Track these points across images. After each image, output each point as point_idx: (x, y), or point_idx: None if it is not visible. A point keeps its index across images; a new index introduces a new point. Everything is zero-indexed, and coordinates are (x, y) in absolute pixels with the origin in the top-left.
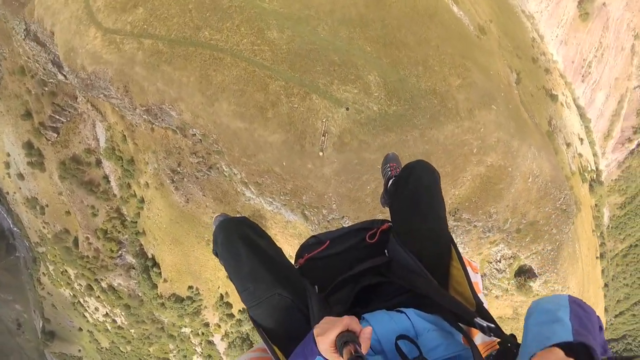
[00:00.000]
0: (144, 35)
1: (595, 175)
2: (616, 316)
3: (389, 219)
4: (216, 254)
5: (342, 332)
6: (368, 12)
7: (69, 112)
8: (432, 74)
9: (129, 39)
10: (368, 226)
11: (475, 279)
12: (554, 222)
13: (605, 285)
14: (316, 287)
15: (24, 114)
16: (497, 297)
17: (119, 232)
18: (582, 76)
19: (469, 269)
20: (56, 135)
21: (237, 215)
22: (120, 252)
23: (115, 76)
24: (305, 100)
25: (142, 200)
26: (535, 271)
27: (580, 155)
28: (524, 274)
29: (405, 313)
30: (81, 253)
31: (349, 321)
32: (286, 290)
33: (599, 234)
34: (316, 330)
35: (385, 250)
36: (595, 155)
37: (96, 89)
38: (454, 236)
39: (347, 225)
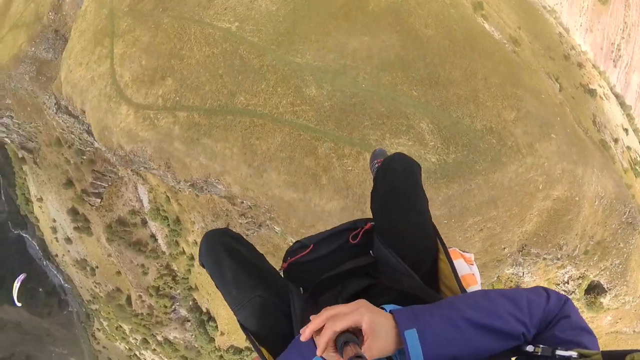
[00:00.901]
0: (177, 108)
1: None
2: None
3: (366, 219)
4: (202, 265)
5: (342, 332)
6: (407, 53)
7: (110, 177)
8: (485, 111)
9: (163, 113)
10: (351, 227)
11: (471, 270)
12: (621, 236)
13: None
14: (301, 289)
15: (65, 182)
16: None
17: (171, 287)
18: (614, 61)
19: (461, 260)
20: (99, 200)
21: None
22: (173, 306)
23: (155, 154)
24: (358, 160)
25: (192, 258)
26: (605, 286)
27: (628, 148)
28: (593, 290)
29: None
30: (135, 311)
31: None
32: (267, 291)
33: None
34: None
35: (370, 251)
36: None
37: (136, 164)
38: (520, 268)
39: (329, 228)
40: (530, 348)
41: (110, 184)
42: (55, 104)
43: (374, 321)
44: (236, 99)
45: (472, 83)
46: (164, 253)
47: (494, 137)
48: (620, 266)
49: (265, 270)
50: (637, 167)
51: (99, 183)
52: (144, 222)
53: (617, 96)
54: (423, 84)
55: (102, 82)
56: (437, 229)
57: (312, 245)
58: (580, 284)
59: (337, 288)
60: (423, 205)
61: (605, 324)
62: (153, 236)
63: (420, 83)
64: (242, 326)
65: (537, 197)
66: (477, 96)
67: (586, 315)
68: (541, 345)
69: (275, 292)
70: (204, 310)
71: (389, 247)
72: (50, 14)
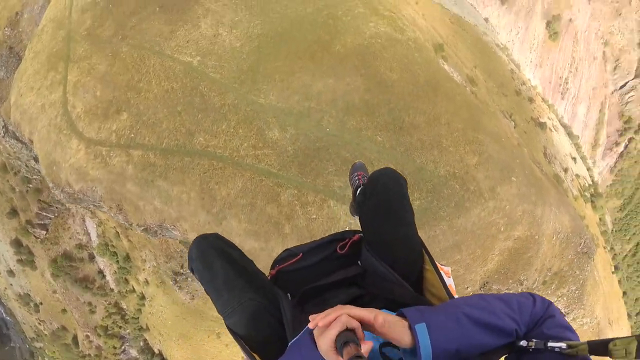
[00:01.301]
0: (132, 146)
1: (593, 190)
2: (637, 314)
3: (354, 230)
4: (192, 270)
5: (342, 331)
6: (371, 97)
7: (56, 207)
8: (448, 156)
9: (116, 151)
10: (339, 237)
11: (449, 282)
12: (577, 264)
13: (624, 293)
14: (289, 295)
15: (9, 211)
16: None
17: (120, 327)
18: (561, 94)
19: (441, 272)
20: (45, 232)
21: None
22: (123, 347)
23: (106, 195)
24: (322, 208)
25: (142, 297)
26: (563, 311)
27: (577, 176)
28: None
29: None
30: (82, 352)
31: (346, 320)
32: (258, 295)
33: (609, 249)
34: (316, 330)
35: (359, 261)
36: (589, 169)
37: (85, 202)
38: None
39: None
40: (524, 343)
41: (56, 215)
42: (2, 127)
43: (387, 317)
44: (195, 139)
45: (436, 128)
46: (112, 290)
47: (457, 183)
48: (577, 291)
49: (255, 274)
50: (586, 194)
51: (45, 214)
52: (92, 258)
53: (565, 127)
54: (387, 129)
55: (53, 112)
56: (422, 240)
57: (300, 254)
58: None
59: (323, 297)
60: (410, 217)
61: None
62: (101, 272)
63: (384, 128)
64: (232, 331)
65: (498, 239)
66: (440, 142)
67: None
68: (534, 340)
69: (265, 296)
70: (156, 351)
71: (378, 257)
72: (6, 29)
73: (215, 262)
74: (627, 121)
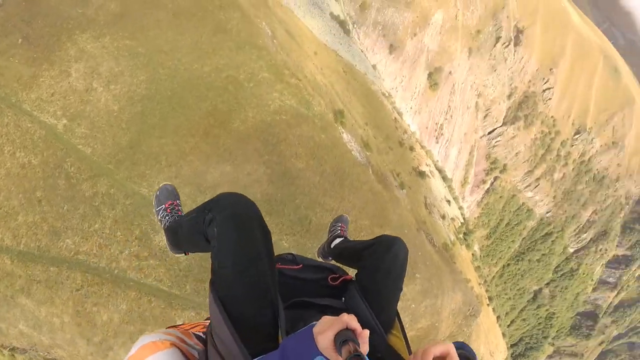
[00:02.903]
0: None
1: (465, 228)
2: (509, 325)
3: (345, 270)
4: (211, 220)
5: (341, 330)
6: (276, 191)
7: None
8: None
9: None
10: (333, 269)
11: None
12: (465, 324)
13: (498, 317)
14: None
15: None
16: None
17: None
18: (436, 138)
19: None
20: None
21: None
22: None
23: None
24: None
25: None
26: None
27: (452, 219)
28: None
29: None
30: None
31: (348, 319)
32: (272, 285)
33: (482, 282)
34: (315, 328)
35: (343, 298)
36: (460, 207)
37: None
38: None
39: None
40: None
41: None
42: None
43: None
44: (61, 240)
45: None
46: None
47: None
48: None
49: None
50: (460, 236)
51: None
52: None
53: (439, 170)
54: (294, 232)
55: None
56: (397, 310)
57: (301, 265)
58: None
59: (304, 313)
60: (402, 284)
61: None
62: None
63: (290, 231)
64: (223, 306)
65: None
66: None
67: None
68: None
69: (276, 289)
70: None
71: (368, 304)
72: None
73: (257, 233)
74: (493, 162)
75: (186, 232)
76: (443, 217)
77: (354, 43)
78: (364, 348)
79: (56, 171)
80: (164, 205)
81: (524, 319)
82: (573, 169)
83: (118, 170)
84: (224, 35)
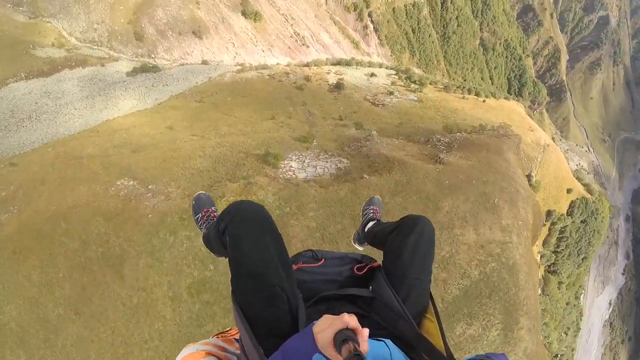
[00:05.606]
0: None
1: (402, 73)
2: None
3: (372, 258)
4: (224, 229)
5: (341, 329)
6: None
7: None
8: None
9: None
10: (358, 259)
11: None
12: None
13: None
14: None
15: None
16: None
17: None
18: (306, 46)
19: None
20: None
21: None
22: None
23: None
24: None
25: None
26: None
27: (388, 76)
28: None
29: (384, 342)
30: None
31: (348, 319)
32: (287, 287)
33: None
34: (315, 327)
35: (370, 286)
36: (381, 65)
37: None
38: None
39: (343, 251)
40: None
41: None
42: None
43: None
44: None
45: None
46: None
47: None
48: None
49: (291, 267)
50: (415, 86)
51: None
52: None
53: (341, 63)
54: None
55: None
56: (431, 291)
57: (323, 260)
58: None
59: (325, 305)
60: (432, 266)
61: None
62: None
63: None
64: (241, 311)
65: None
66: None
67: None
68: None
69: (291, 289)
70: None
71: (394, 289)
72: None
73: (268, 238)
74: (354, 6)
75: (213, 241)
76: (390, 93)
77: (169, 67)
78: (364, 347)
79: None
80: (200, 214)
81: (495, 67)
82: None
83: None
84: None
